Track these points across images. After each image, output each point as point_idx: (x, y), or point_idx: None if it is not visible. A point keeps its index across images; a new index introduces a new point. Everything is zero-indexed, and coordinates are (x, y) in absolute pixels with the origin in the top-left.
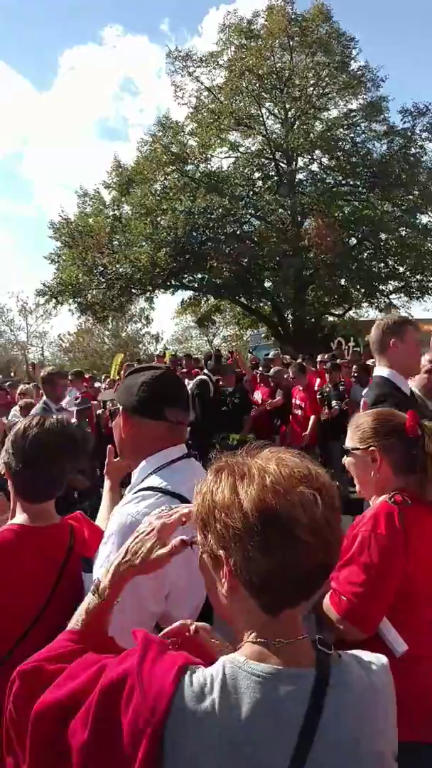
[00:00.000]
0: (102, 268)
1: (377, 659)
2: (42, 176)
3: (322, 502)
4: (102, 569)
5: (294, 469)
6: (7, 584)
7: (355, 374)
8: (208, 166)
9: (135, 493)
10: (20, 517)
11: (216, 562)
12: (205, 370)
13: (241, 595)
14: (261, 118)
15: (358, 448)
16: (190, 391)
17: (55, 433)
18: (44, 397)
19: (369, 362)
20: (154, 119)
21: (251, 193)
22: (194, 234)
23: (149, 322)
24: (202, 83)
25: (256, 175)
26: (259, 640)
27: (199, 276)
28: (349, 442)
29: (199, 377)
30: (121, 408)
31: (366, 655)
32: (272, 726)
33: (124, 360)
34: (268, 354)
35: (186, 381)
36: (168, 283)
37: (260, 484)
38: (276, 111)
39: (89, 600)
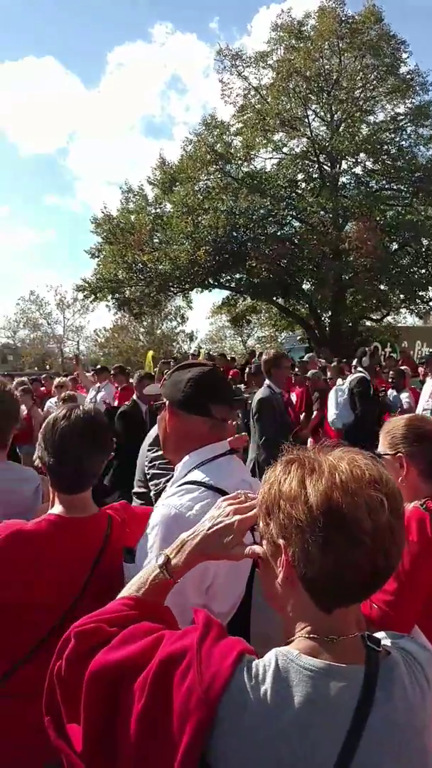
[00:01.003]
0: (141, 265)
1: (423, 653)
2: (87, 172)
3: (388, 507)
4: (171, 546)
5: (366, 471)
6: (40, 574)
7: (392, 379)
8: (251, 166)
9: (179, 486)
10: (57, 508)
11: (275, 551)
12: (359, 368)
13: (297, 587)
14: (306, 120)
15: (387, 454)
16: (349, 389)
17: (83, 424)
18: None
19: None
20: (199, 117)
21: (293, 194)
22: (234, 234)
23: (184, 320)
24: (249, 83)
25: (299, 176)
26: (311, 635)
27: (237, 276)
28: (380, 447)
29: (357, 375)
30: (167, 402)
31: (410, 645)
32: (321, 721)
33: (157, 357)
34: (303, 357)
35: None
36: (206, 282)
37: (329, 480)
38: (322, 113)
39: (154, 573)
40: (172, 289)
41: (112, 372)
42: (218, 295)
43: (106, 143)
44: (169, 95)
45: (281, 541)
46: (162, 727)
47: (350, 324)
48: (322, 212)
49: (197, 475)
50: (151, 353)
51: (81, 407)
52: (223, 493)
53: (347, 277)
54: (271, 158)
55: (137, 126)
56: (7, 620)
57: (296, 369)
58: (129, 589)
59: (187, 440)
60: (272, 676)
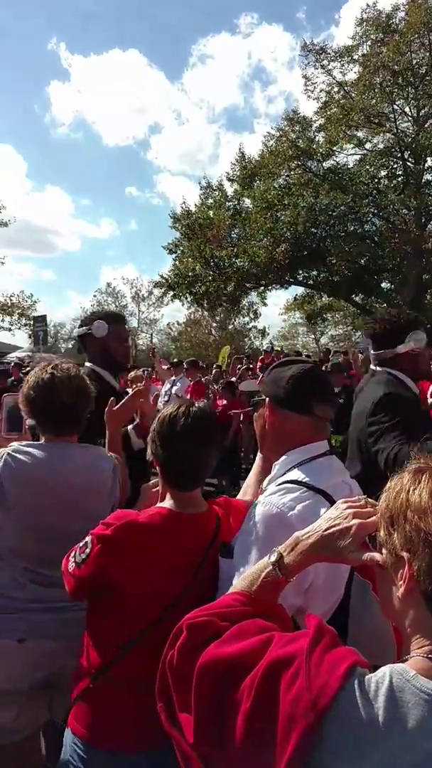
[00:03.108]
0: (219, 261)
1: None
2: (167, 165)
3: None
4: (284, 544)
5: None
6: (150, 565)
7: None
8: (334, 162)
9: (279, 485)
10: (168, 503)
11: (397, 562)
12: None
13: (417, 601)
14: (392, 116)
15: None
16: None
17: (200, 421)
18: None
19: None
20: (282, 110)
21: (375, 191)
22: (314, 230)
23: (257, 316)
24: (334, 77)
25: (382, 173)
26: (431, 655)
27: (315, 273)
28: None
29: None
30: (267, 400)
31: None
32: None
33: (232, 353)
34: None
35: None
36: (284, 279)
37: None
38: (407, 109)
39: (266, 570)
40: (248, 285)
41: (185, 366)
42: (293, 291)
43: (186, 136)
44: (252, 87)
45: (405, 554)
46: (268, 731)
47: (429, 325)
48: (404, 210)
49: (297, 475)
50: (227, 348)
51: (195, 404)
52: (324, 493)
53: (428, 277)
54: (353, 154)
55: (219, 119)
56: (115, 608)
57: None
58: (241, 584)
59: (287, 438)
60: (385, 695)
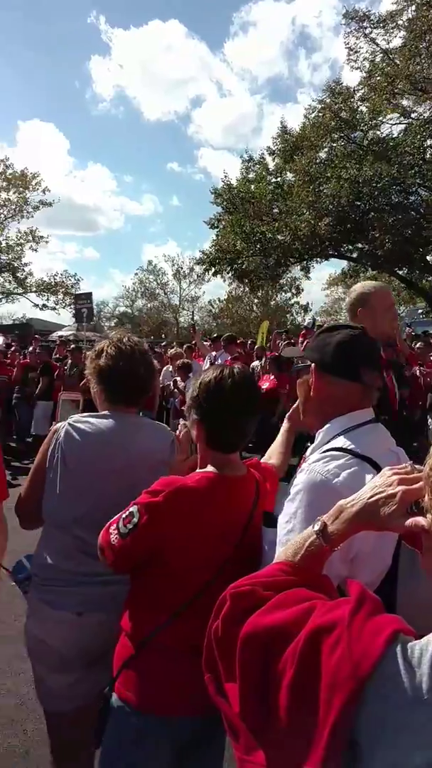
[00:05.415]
0: (260, 236)
1: None
2: (209, 139)
3: None
4: (328, 513)
5: None
6: (199, 530)
7: None
8: (377, 133)
9: (323, 452)
10: (211, 467)
11: None
12: None
13: None
14: None
15: None
16: None
17: (246, 380)
18: None
19: None
20: (326, 78)
21: (421, 161)
22: (357, 203)
23: (299, 292)
24: (378, 45)
25: (428, 142)
26: None
27: (359, 246)
28: None
29: None
30: (312, 366)
31: None
32: None
33: (271, 328)
34: (427, 331)
35: None
36: (326, 253)
37: None
38: None
39: (310, 539)
40: (291, 260)
41: (222, 341)
42: (336, 265)
43: (228, 109)
44: (297, 55)
45: None
46: (311, 699)
47: None
48: None
49: (342, 442)
50: (266, 324)
51: (236, 368)
52: (370, 461)
53: None
54: (398, 124)
55: (261, 90)
56: (163, 575)
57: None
58: (285, 554)
59: (332, 405)
60: (429, 662)
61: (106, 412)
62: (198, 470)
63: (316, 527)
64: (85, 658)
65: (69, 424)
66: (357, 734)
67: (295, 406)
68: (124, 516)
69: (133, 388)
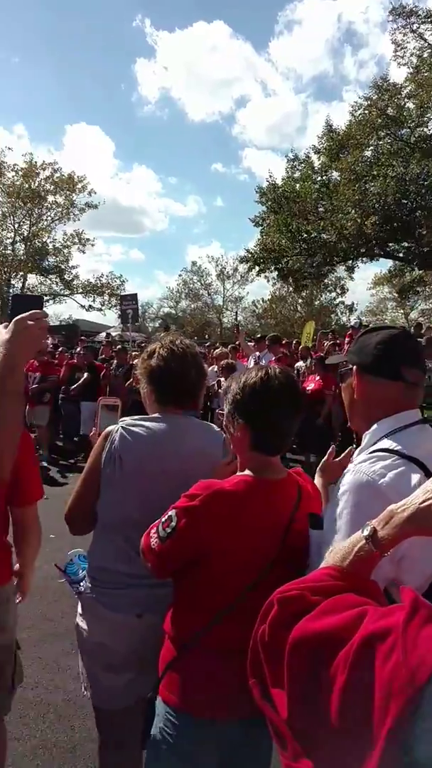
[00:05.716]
0: (305, 235)
1: None
2: (253, 139)
3: None
4: (378, 518)
5: None
6: (239, 533)
7: None
8: (425, 129)
9: (369, 453)
10: (250, 470)
11: None
12: None
13: None
14: None
15: None
16: None
17: (290, 380)
18: None
19: None
20: (372, 75)
21: None
22: (404, 201)
23: (344, 291)
24: (425, 41)
25: None
26: None
27: (405, 245)
28: None
29: None
30: (354, 368)
31: None
32: None
33: (316, 328)
34: None
35: None
36: (372, 252)
37: None
38: None
39: (359, 544)
40: (336, 259)
41: (267, 342)
42: (382, 265)
43: (273, 108)
44: (342, 52)
45: None
46: (364, 706)
47: None
48: None
49: (388, 443)
50: (311, 324)
51: (278, 369)
52: (417, 462)
53: None
54: None
55: (306, 88)
56: (205, 578)
57: None
58: (333, 559)
59: (377, 406)
60: None
61: (157, 414)
62: (237, 473)
63: (366, 532)
64: (139, 659)
65: (122, 427)
66: (413, 742)
67: (323, 462)
68: (163, 520)
69: (183, 390)
